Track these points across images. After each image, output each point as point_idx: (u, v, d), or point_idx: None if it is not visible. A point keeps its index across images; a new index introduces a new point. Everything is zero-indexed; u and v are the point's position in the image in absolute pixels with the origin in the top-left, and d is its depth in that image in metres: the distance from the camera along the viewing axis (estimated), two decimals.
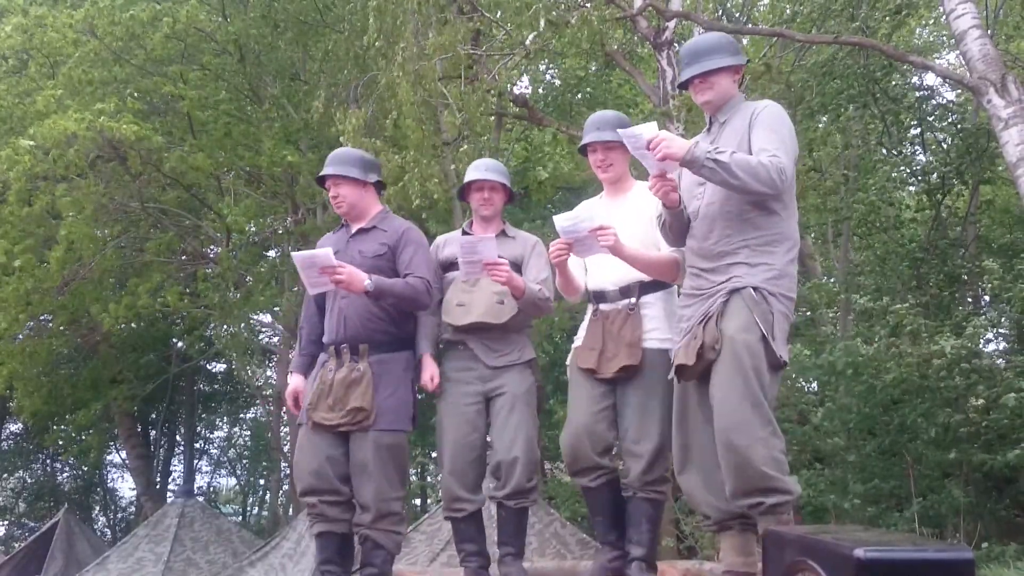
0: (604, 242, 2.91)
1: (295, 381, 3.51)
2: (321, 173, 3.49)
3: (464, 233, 3.49)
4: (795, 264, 2.80)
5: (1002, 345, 10.40)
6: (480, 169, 3.50)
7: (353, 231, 3.46)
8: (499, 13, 8.80)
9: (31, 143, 9.96)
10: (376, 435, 3.21)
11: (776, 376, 2.73)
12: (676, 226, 2.88)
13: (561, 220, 2.97)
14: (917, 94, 11.37)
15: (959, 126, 10.43)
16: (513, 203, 3.66)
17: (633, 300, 3.14)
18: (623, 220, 3.14)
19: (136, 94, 11.35)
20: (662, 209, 2.87)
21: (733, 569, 2.76)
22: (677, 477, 2.87)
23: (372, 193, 3.50)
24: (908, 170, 11.45)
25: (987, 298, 10.58)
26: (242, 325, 14.17)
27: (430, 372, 3.40)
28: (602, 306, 3.21)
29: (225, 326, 12.49)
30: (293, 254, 3.24)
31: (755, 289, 2.66)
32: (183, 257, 13.96)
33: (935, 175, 10.78)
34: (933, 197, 10.86)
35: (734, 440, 2.57)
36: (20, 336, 12.91)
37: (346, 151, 3.63)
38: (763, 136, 2.71)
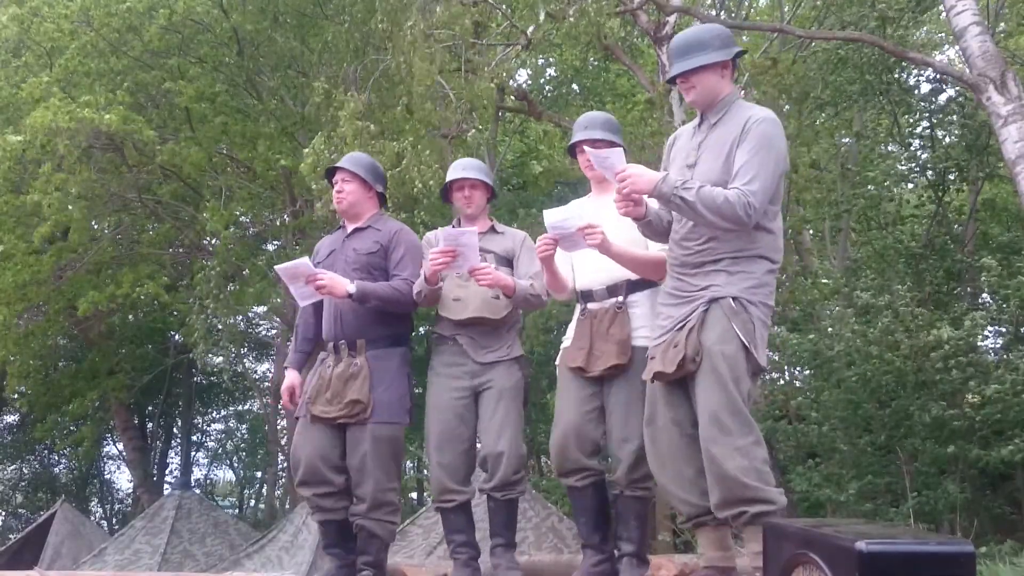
0: (591, 241, 2.92)
1: (290, 376, 3.63)
2: (334, 165, 3.64)
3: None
4: (774, 275, 2.82)
5: (999, 342, 10.39)
6: (458, 168, 3.55)
7: (349, 231, 3.57)
8: (503, 8, 8.75)
9: (18, 138, 9.89)
10: (373, 427, 3.31)
11: (755, 381, 2.77)
12: (648, 233, 2.93)
13: (551, 215, 2.98)
14: (930, 86, 11.28)
15: (964, 121, 10.36)
16: (496, 199, 3.71)
17: (621, 299, 3.15)
18: (610, 219, 3.12)
19: (133, 86, 11.23)
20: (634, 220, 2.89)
21: (713, 564, 2.79)
22: (653, 474, 2.89)
23: (374, 200, 3.62)
24: (912, 165, 11.39)
25: (986, 295, 10.57)
26: (234, 318, 14.04)
27: None
28: (590, 305, 3.21)
29: (202, 317, 12.29)
30: (277, 267, 3.36)
31: (734, 299, 2.67)
32: (180, 249, 13.89)
33: (938, 170, 10.71)
34: (936, 192, 10.81)
35: (712, 451, 2.60)
36: (20, 322, 12.85)
37: (364, 156, 3.78)
38: (746, 158, 2.66)
